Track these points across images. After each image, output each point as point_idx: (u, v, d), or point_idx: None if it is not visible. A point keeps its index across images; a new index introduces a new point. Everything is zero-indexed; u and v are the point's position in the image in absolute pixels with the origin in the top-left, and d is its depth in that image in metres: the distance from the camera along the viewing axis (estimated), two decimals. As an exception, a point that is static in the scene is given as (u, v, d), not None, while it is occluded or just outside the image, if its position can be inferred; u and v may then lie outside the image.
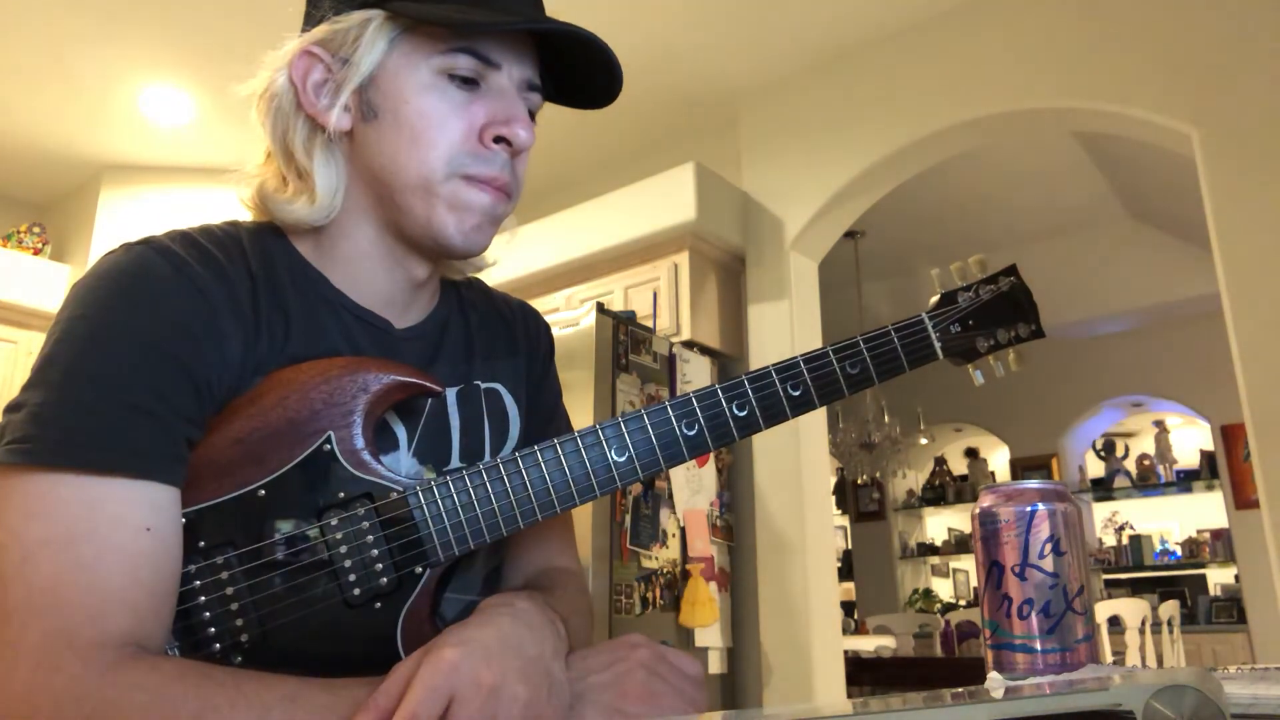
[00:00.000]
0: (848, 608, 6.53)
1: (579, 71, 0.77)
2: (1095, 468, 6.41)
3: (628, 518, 2.61)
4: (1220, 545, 5.73)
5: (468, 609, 0.78)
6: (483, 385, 0.83)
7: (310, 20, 0.75)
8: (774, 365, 0.75)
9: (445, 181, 0.71)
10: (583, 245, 3.36)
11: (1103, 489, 6.31)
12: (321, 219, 0.74)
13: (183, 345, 0.63)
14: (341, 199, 0.75)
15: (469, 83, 0.72)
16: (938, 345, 0.81)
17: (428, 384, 0.72)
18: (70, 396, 0.60)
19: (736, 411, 0.74)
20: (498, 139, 0.72)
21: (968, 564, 7.04)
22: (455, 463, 0.77)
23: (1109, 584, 6.18)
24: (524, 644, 0.59)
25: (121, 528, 0.58)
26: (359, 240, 0.75)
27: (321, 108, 0.72)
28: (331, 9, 0.74)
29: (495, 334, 0.88)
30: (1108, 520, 6.48)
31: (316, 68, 0.73)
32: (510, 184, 0.74)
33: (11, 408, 0.61)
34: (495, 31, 0.71)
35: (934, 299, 0.83)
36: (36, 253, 4.08)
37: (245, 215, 0.79)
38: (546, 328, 0.96)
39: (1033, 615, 0.60)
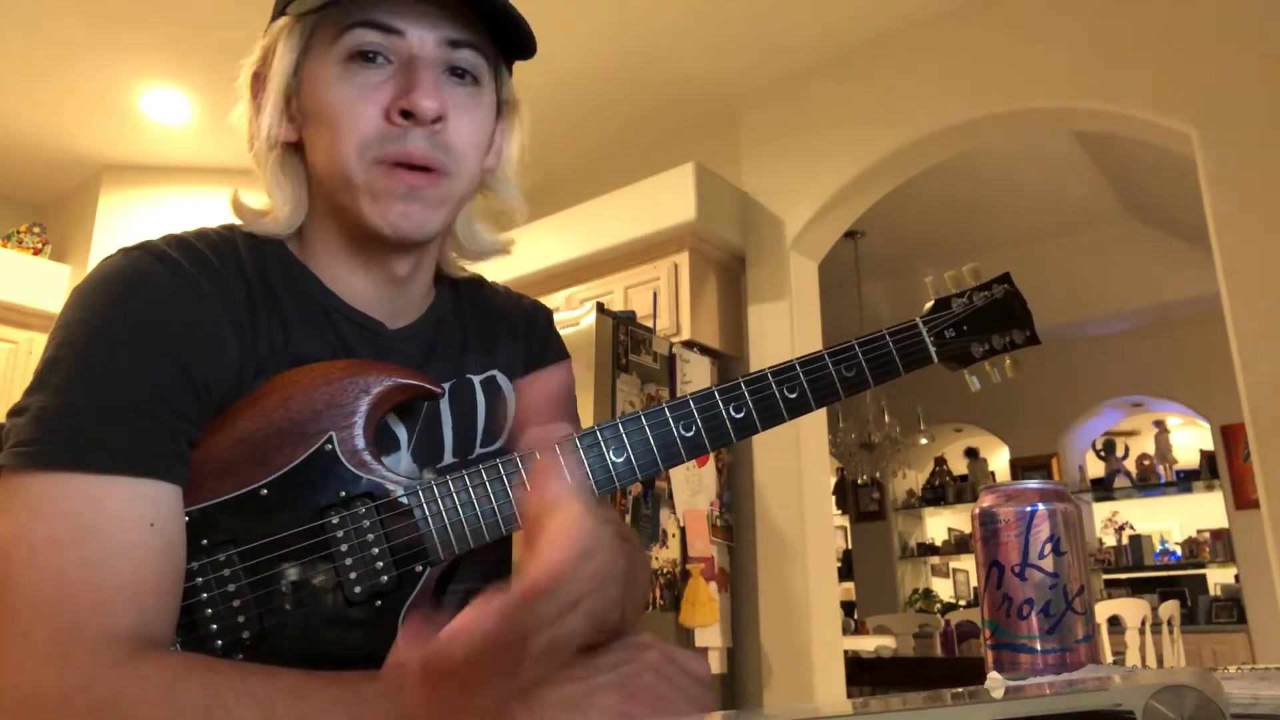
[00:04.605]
0: (848, 608, 6.53)
1: (501, 23, 0.73)
2: (1095, 468, 6.42)
3: (627, 518, 2.61)
4: (1220, 545, 5.73)
5: (467, 596, 0.78)
6: (476, 377, 0.83)
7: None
8: (770, 368, 0.76)
9: (362, 170, 0.70)
10: (583, 245, 3.36)
11: (1103, 489, 6.31)
12: (287, 231, 0.75)
13: (180, 347, 0.64)
14: (304, 208, 0.76)
15: (378, 61, 0.70)
16: (932, 350, 0.81)
17: (428, 386, 0.73)
18: (72, 399, 0.61)
19: (733, 414, 0.74)
20: (404, 113, 0.69)
21: (968, 564, 7.04)
22: (449, 458, 0.78)
23: (1109, 584, 6.18)
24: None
25: (126, 525, 0.59)
26: (332, 242, 0.76)
27: (263, 122, 0.74)
28: (267, 25, 0.76)
29: (492, 324, 0.88)
30: (1108, 520, 6.49)
31: (263, 84, 0.75)
32: (434, 158, 0.70)
33: (15, 411, 0.62)
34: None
35: (928, 304, 0.84)
36: (36, 253, 4.08)
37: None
38: (547, 312, 0.95)
39: (1033, 615, 0.60)
